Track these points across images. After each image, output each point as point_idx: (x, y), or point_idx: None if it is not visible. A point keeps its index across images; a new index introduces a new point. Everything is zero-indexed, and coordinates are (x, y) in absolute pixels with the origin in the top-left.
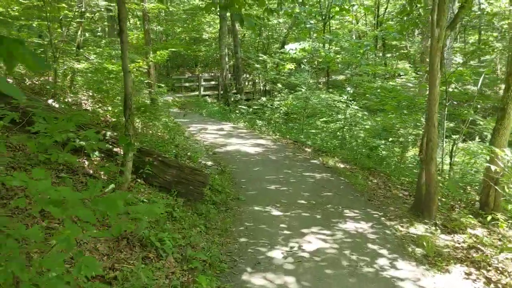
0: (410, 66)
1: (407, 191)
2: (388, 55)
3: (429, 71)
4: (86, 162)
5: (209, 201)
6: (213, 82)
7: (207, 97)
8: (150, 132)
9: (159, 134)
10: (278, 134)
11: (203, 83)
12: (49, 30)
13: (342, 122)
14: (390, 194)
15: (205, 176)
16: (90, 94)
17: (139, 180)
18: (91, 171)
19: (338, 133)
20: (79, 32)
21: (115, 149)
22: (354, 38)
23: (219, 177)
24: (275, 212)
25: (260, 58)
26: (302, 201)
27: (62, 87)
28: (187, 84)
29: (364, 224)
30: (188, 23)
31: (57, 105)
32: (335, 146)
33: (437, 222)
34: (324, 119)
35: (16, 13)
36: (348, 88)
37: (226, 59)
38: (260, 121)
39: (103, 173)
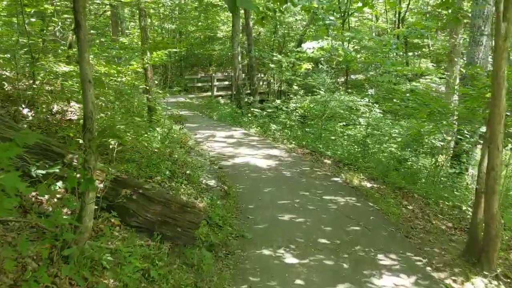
0: (433, 66)
1: (450, 221)
2: (410, 53)
3: (491, 78)
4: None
5: (203, 244)
6: (226, 82)
7: (220, 97)
8: (144, 146)
9: (155, 148)
10: (293, 142)
11: (216, 83)
12: (25, 27)
13: (364, 127)
14: (431, 226)
15: (198, 214)
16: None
17: (112, 220)
18: (50, 208)
19: (360, 140)
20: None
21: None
22: (374, 36)
23: (221, 202)
24: (289, 259)
25: (275, 58)
26: (324, 240)
27: (42, 93)
28: (200, 84)
29: (405, 279)
30: (203, 22)
31: (32, 115)
32: (357, 157)
33: (498, 273)
34: (344, 123)
35: None
36: (370, 90)
37: (239, 58)
38: (274, 125)
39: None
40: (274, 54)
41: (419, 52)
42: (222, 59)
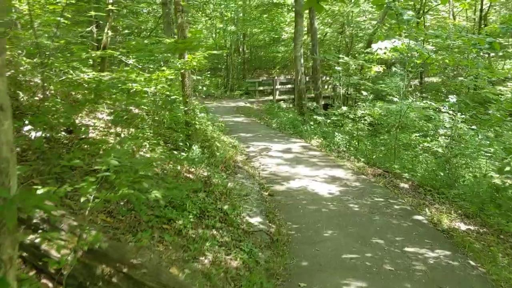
0: None
1: None
2: (492, 54)
3: None
4: None
5: None
6: (289, 86)
7: (282, 102)
8: (172, 169)
9: (190, 173)
10: (361, 159)
11: (278, 86)
12: (32, 26)
13: (447, 143)
14: None
15: None
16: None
17: None
18: None
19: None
20: (105, 30)
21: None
22: (466, 34)
23: (264, 255)
24: None
25: (341, 60)
26: None
27: (49, 107)
28: (261, 88)
29: None
30: (266, 23)
31: (36, 134)
32: (442, 181)
33: None
34: (418, 134)
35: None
36: (451, 97)
37: (302, 60)
38: (339, 135)
39: None
40: (340, 55)
41: (503, 52)
42: (286, 61)
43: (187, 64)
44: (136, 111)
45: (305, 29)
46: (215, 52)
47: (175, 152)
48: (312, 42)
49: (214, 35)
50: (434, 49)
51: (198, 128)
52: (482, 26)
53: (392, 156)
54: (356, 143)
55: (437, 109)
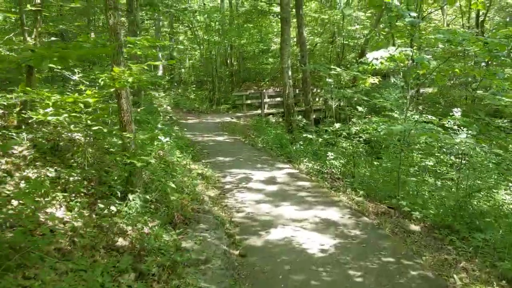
0: None
1: None
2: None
3: None
4: None
5: None
6: (278, 99)
7: (271, 116)
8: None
9: (120, 238)
10: (360, 191)
11: (266, 99)
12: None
13: (461, 167)
14: None
15: None
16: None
17: None
18: None
19: (460, 190)
20: (32, 35)
21: None
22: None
23: None
24: None
25: (333, 72)
26: None
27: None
28: (249, 101)
29: None
30: (254, 34)
31: None
32: (461, 220)
33: None
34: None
35: None
36: (456, 110)
37: (290, 72)
38: (332, 156)
39: None
40: (332, 66)
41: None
42: (276, 73)
43: (117, 81)
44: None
45: (295, 39)
46: (159, 63)
47: (101, 205)
48: (301, 53)
49: (199, 47)
50: (435, 58)
51: (142, 166)
52: (478, 31)
53: (395, 184)
54: (352, 167)
55: (439, 125)
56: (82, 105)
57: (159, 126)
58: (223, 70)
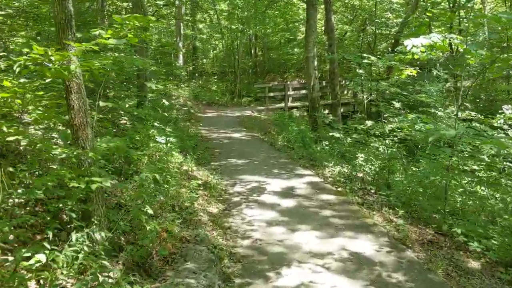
0: None
1: None
2: None
3: None
4: None
5: None
6: (303, 91)
7: (295, 109)
8: None
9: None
10: (400, 212)
11: (290, 92)
12: None
13: None
14: None
15: None
16: None
17: None
18: None
19: None
20: None
21: None
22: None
23: None
24: None
25: (366, 61)
26: None
27: None
28: (271, 94)
29: None
30: (280, 23)
31: None
32: None
33: None
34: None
35: None
36: (506, 107)
37: (315, 62)
38: (362, 157)
39: None
40: (366, 55)
41: None
42: (301, 63)
43: (68, 70)
44: None
45: (323, 28)
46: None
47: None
48: (329, 42)
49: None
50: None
51: (100, 189)
52: None
53: (441, 199)
54: (387, 175)
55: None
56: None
57: (156, 124)
58: (246, 60)
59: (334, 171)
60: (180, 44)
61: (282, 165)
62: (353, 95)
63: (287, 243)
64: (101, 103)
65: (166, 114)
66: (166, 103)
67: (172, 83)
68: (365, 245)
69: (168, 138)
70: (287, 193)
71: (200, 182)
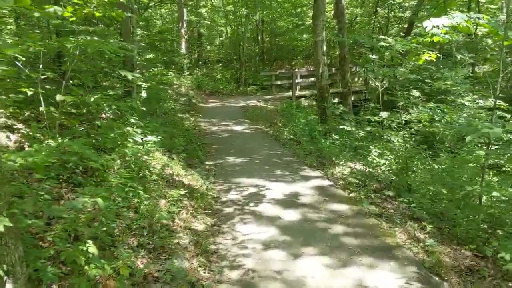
0: None
1: None
2: None
3: None
4: None
5: None
6: (312, 79)
7: (303, 98)
8: None
9: None
10: (429, 227)
11: (298, 80)
12: None
13: None
14: None
15: None
16: None
17: None
18: None
19: None
20: None
21: None
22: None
23: None
24: None
25: (382, 44)
26: None
27: None
28: (278, 82)
29: None
30: (286, 8)
31: None
32: None
33: None
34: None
35: None
36: None
37: (324, 48)
38: (375, 152)
39: None
40: (381, 37)
41: None
42: (309, 50)
43: None
44: None
45: (332, 12)
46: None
47: None
48: (338, 26)
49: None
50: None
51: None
52: None
53: (476, 209)
54: (407, 175)
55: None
56: None
57: (133, 120)
58: (253, 47)
59: (346, 170)
60: (183, 31)
61: (286, 165)
62: (364, 83)
63: (286, 276)
64: (58, 97)
65: (144, 108)
66: (144, 95)
67: (171, 71)
68: (388, 278)
69: (147, 137)
70: (290, 201)
71: (184, 192)
